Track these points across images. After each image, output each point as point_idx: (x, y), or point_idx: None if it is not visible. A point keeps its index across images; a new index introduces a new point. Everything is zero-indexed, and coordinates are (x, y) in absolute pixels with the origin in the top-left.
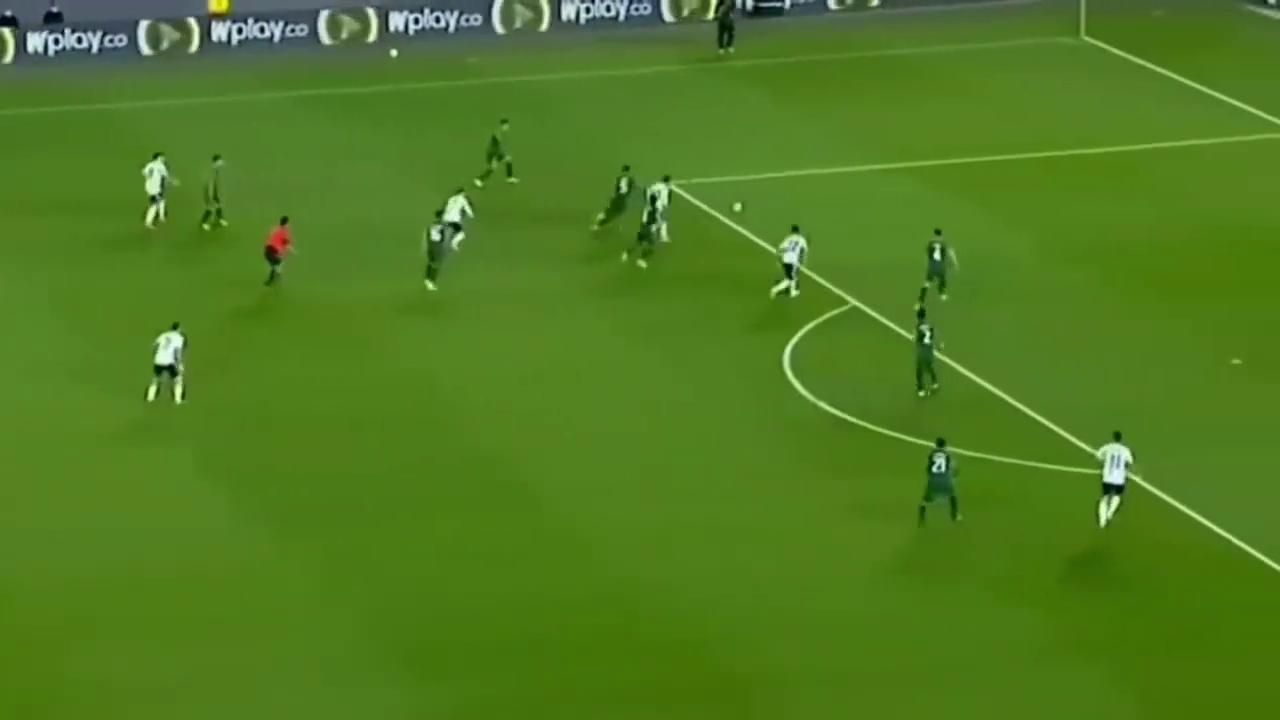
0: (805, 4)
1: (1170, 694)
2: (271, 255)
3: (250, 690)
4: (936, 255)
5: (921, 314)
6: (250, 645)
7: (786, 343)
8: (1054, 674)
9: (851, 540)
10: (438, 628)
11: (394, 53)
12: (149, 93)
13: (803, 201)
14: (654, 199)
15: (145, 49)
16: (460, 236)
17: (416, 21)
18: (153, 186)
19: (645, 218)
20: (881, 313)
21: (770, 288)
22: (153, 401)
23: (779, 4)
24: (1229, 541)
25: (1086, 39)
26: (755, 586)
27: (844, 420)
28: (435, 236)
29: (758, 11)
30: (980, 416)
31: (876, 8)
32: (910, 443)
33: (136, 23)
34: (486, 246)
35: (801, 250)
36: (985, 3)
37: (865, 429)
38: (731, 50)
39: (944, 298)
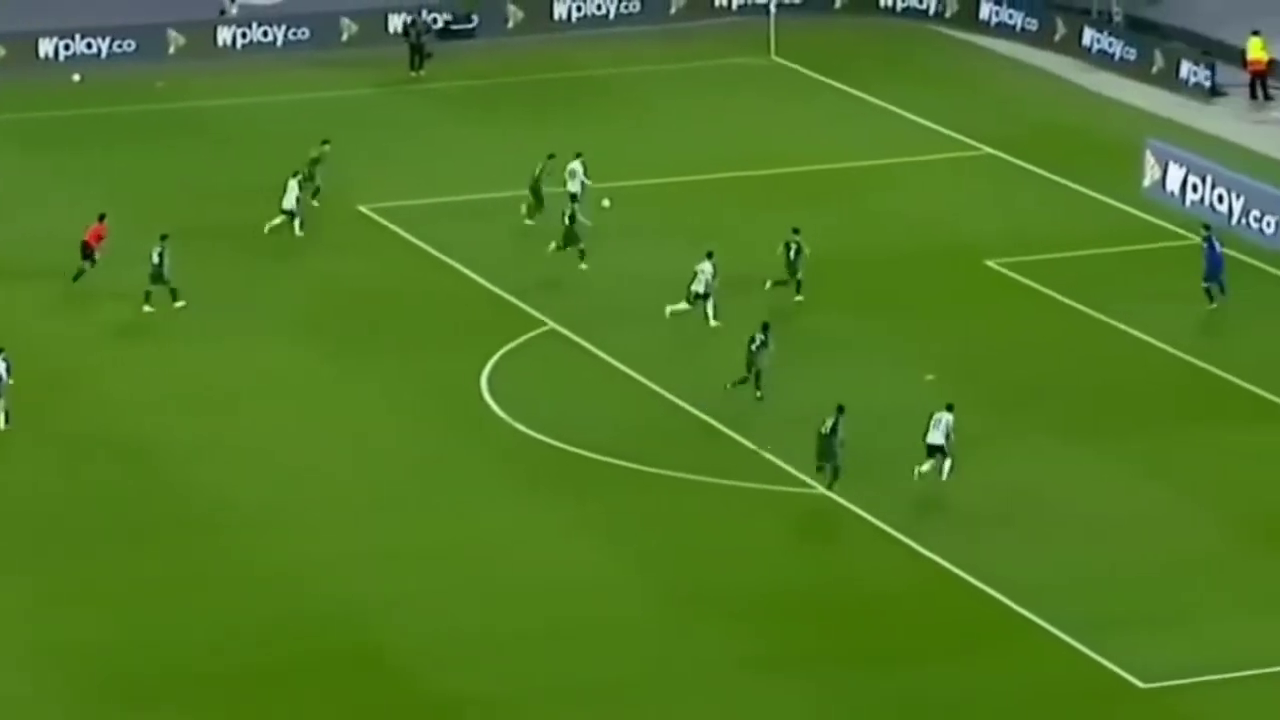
0: (498, 26)
1: (867, 708)
2: (86, 251)
3: None
4: (792, 254)
5: (765, 326)
6: None
7: (484, 365)
8: (750, 688)
9: (550, 558)
10: (130, 660)
11: (76, 77)
12: None
13: (496, 223)
14: (571, 189)
15: None
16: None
17: (67, 48)
18: None
19: (567, 219)
20: (577, 333)
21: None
22: None
23: (470, 25)
24: (927, 557)
25: (776, 59)
26: (454, 606)
27: (542, 442)
28: (155, 260)
29: (449, 34)
30: (681, 436)
31: (569, 30)
32: (608, 463)
33: None
34: (184, 269)
35: (706, 280)
36: (676, 24)
37: (563, 450)
38: (423, 73)
39: (799, 298)
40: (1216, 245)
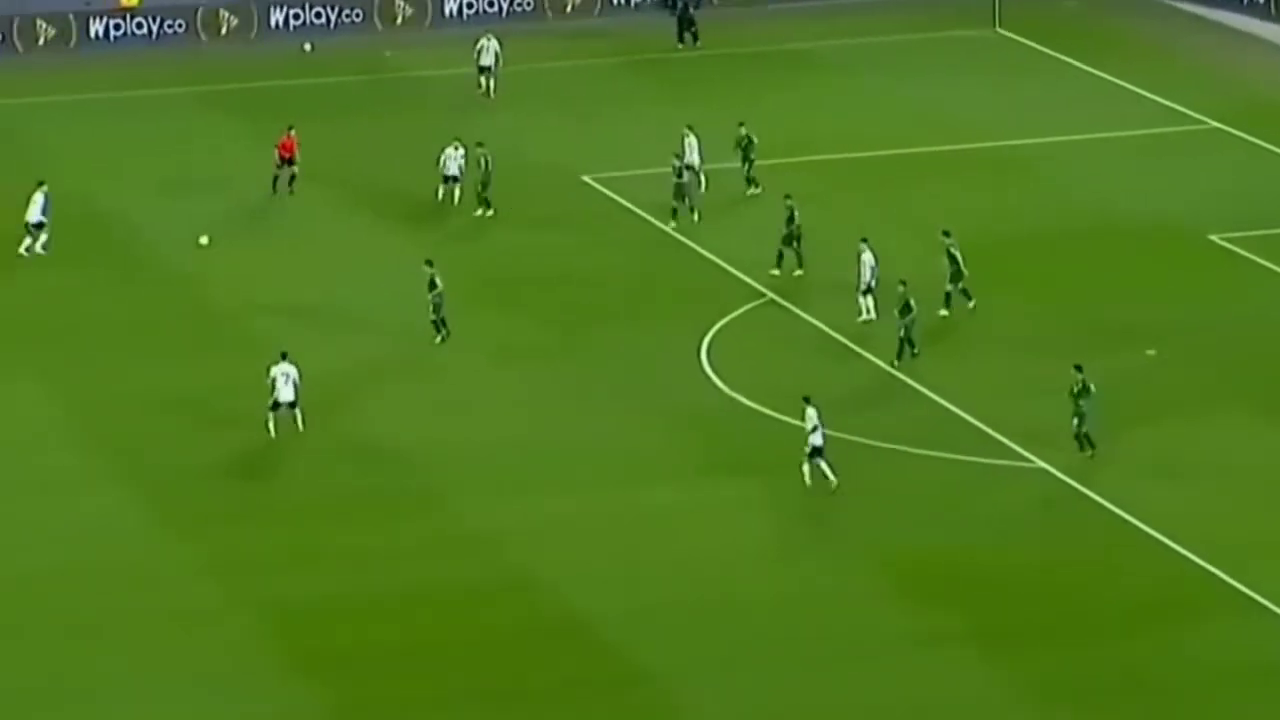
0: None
1: (1078, 684)
2: (282, 159)
3: None
4: (956, 255)
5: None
6: None
7: (704, 335)
8: (954, 663)
9: (739, 527)
10: (340, 627)
11: (308, 47)
12: None
13: (714, 194)
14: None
15: None
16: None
17: (297, 18)
18: None
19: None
20: (798, 305)
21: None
22: None
23: None
24: (1142, 530)
25: (1001, 32)
26: (652, 576)
27: (760, 412)
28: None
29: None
30: (895, 408)
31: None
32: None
33: None
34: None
35: (871, 269)
36: None
37: (782, 421)
38: (699, 45)
39: (971, 305)
40: None
